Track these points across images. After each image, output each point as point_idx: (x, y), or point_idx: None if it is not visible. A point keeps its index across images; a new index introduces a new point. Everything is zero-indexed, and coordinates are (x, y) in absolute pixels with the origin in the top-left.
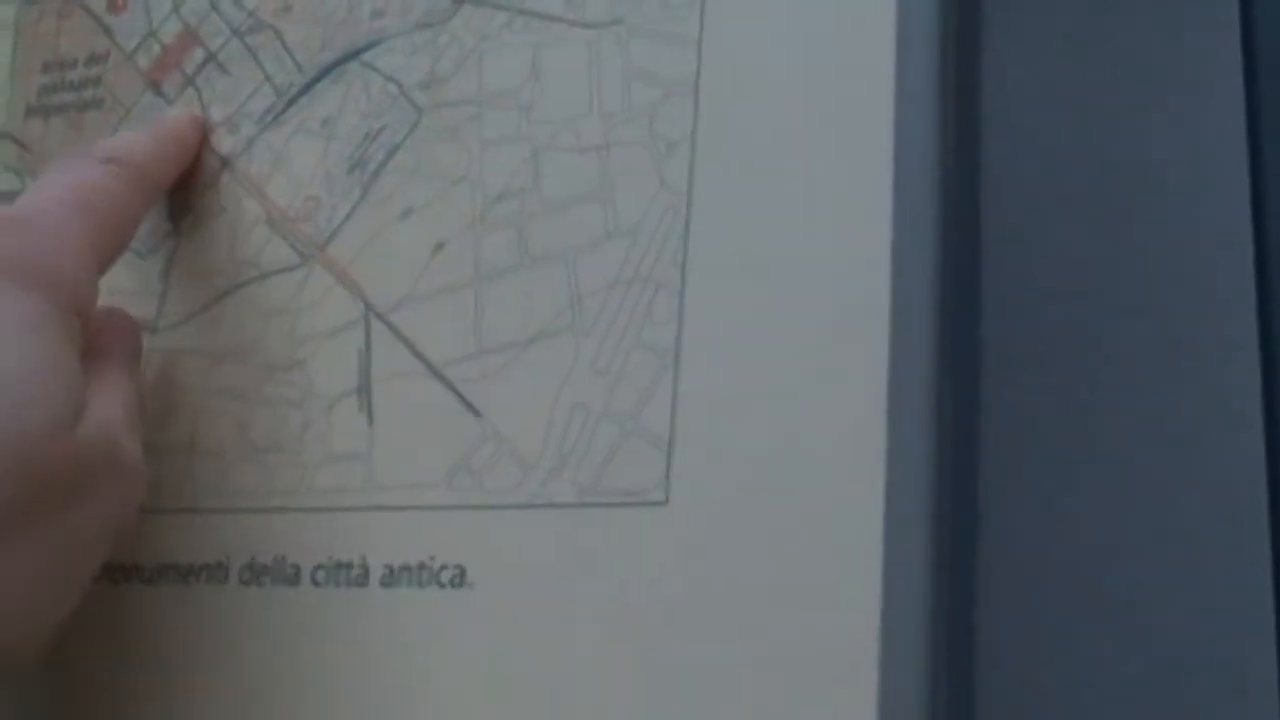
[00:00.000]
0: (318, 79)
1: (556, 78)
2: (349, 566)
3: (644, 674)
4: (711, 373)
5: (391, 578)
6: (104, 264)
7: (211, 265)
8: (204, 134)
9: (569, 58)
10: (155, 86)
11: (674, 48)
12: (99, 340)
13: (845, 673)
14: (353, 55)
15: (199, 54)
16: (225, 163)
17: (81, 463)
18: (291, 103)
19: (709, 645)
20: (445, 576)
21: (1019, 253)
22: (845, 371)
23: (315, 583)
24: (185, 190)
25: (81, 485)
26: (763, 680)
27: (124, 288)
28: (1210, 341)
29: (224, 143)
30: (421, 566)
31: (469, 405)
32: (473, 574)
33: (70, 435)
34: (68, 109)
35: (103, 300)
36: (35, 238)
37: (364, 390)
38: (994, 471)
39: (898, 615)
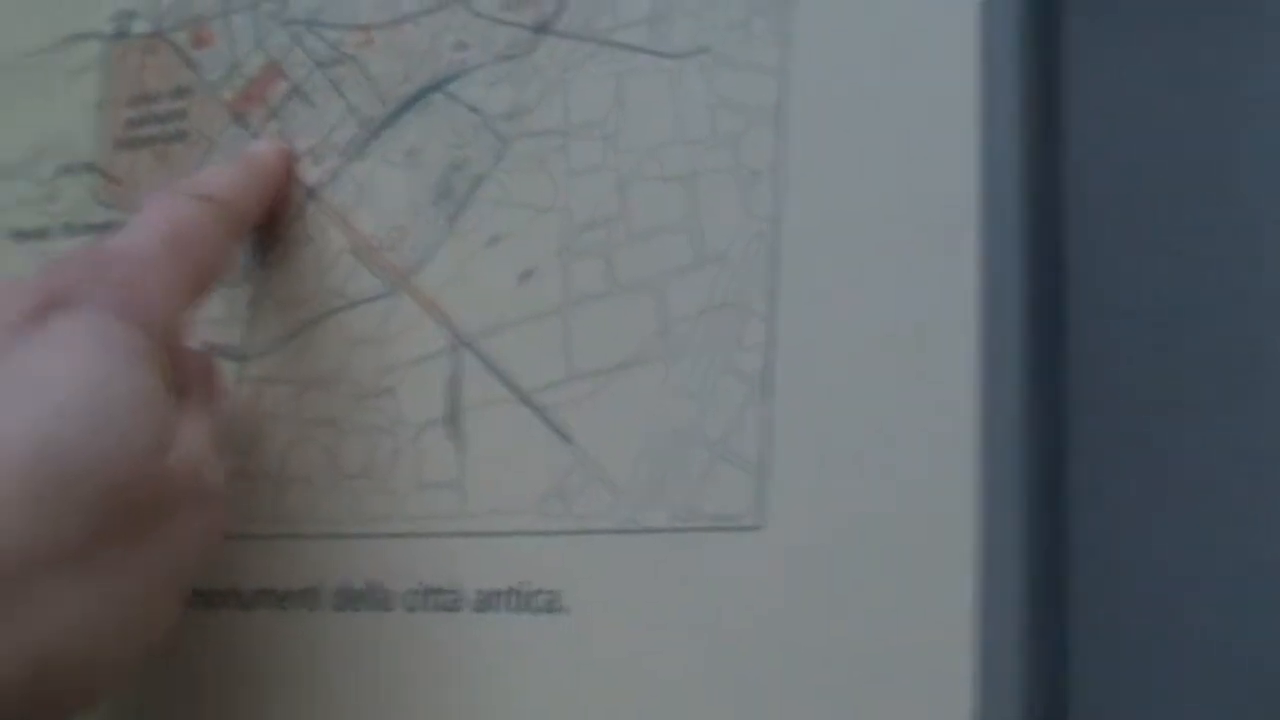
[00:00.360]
0: (402, 110)
1: (641, 107)
2: (441, 592)
3: (738, 698)
4: (802, 397)
5: (485, 603)
6: (195, 299)
7: (298, 294)
8: (290, 165)
9: (653, 87)
10: (240, 118)
11: (757, 76)
12: (184, 375)
13: (941, 694)
14: (436, 87)
15: (283, 86)
16: (311, 193)
17: (171, 489)
18: (375, 134)
19: (804, 668)
20: (539, 601)
21: (1104, 267)
22: (936, 393)
23: (408, 608)
24: (271, 221)
25: (170, 512)
26: (858, 703)
27: (212, 316)
28: None
29: (309, 174)
30: (514, 591)
31: (559, 431)
32: (567, 599)
33: (161, 465)
34: (154, 141)
35: (195, 328)
36: (134, 273)
37: (453, 418)
38: (1083, 490)
39: (993, 636)
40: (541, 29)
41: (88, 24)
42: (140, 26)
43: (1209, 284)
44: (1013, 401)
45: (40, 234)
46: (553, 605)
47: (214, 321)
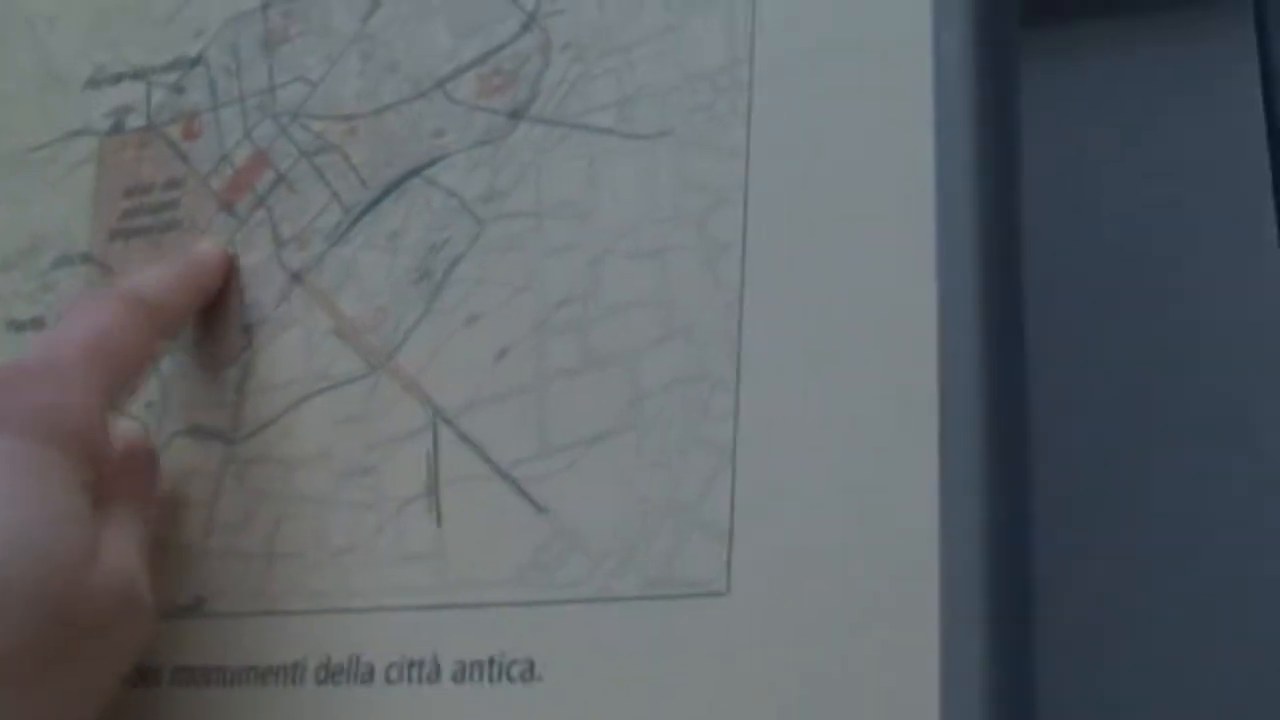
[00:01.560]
0: (383, 195)
1: (611, 187)
2: (421, 664)
3: None
4: (769, 466)
5: (462, 673)
6: (118, 404)
7: (285, 376)
8: (230, 268)
9: (623, 168)
10: (229, 207)
11: (722, 156)
12: (113, 481)
13: None
14: (415, 172)
15: (269, 175)
16: (296, 277)
17: (96, 607)
18: (358, 219)
19: None
20: (515, 671)
21: (1061, 332)
22: (899, 461)
23: (389, 680)
24: (259, 305)
25: (96, 628)
26: None
27: (202, 398)
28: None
29: (294, 259)
30: (491, 661)
31: (535, 503)
32: (541, 668)
33: (82, 583)
34: (148, 231)
35: (181, 411)
36: (48, 390)
37: (433, 492)
38: (1050, 565)
39: (957, 702)
40: (516, 115)
41: (86, 120)
42: (135, 121)
43: (1167, 344)
44: (973, 468)
45: (36, 324)
46: (528, 675)
47: (204, 404)
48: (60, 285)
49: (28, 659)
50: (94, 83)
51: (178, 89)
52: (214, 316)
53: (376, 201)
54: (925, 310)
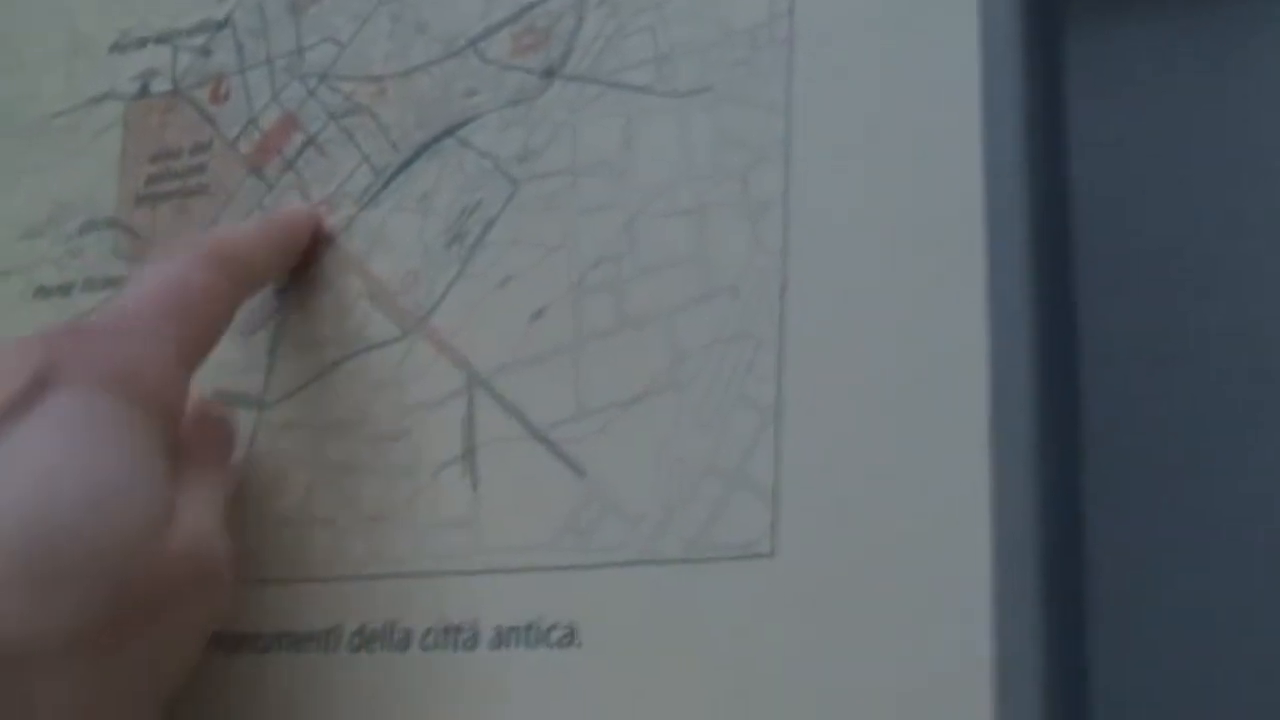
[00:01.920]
0: (414, 157)
1: (648, 145)
2: (459, 630)
3: None
4: (813, 425)
5: (501, 639)
6: (195, 363)
7: (316, 340)
8: (317, 226)
9: (660, 126)
10: (257, 171)
11: (762, 112)
12: (189, 442)
13: None
14: (448, 133)
15: (298, 138)
16: (327, 241)
17: (171, 576)
18: (389, 181)
19: (818, 697)
20: (554, 636)
21: (1112, 292)
22: (947, 419)
23: (424, 647)
24: (290, 269)
25: (170, 599)
26: None
27: (232, 362)
28: None
29: (325, 222)
30: (530, 627)
31: (573, 466)
32: (582, 633)
33: (160, 548)
34: (174, 196)
35: (211, 375)
36: (127, 347)
37: (469, 456)
38: (1099, 512)
39: (1010, 663)
40: (549, 73)
41: (111, 85)
42: (160, 85)
43: (1216, 323)
44: (1025, 425)
45: (63, 290)
46: (568, 640)
47: (235, 369)
48: (87, 251)
49: (99, 628)
50: (119, 47)
51: (204, 52)
52: None
53: (408, 163)
54: (973, 268)
